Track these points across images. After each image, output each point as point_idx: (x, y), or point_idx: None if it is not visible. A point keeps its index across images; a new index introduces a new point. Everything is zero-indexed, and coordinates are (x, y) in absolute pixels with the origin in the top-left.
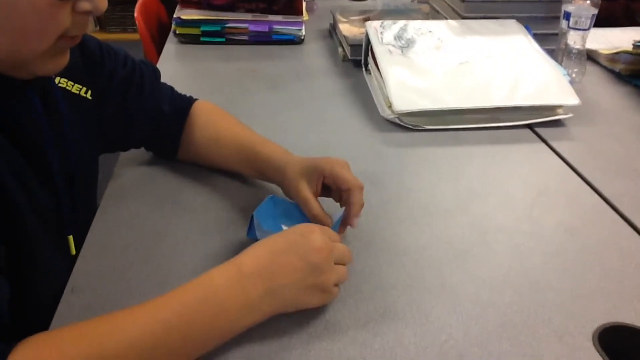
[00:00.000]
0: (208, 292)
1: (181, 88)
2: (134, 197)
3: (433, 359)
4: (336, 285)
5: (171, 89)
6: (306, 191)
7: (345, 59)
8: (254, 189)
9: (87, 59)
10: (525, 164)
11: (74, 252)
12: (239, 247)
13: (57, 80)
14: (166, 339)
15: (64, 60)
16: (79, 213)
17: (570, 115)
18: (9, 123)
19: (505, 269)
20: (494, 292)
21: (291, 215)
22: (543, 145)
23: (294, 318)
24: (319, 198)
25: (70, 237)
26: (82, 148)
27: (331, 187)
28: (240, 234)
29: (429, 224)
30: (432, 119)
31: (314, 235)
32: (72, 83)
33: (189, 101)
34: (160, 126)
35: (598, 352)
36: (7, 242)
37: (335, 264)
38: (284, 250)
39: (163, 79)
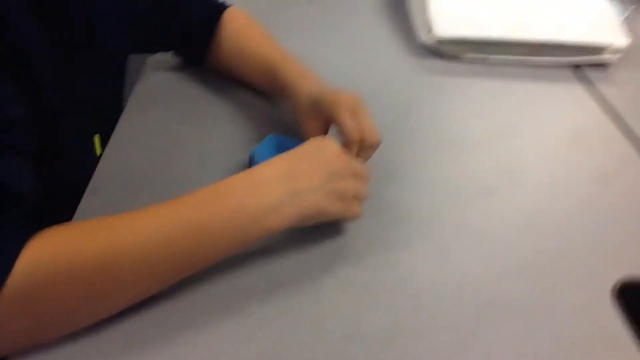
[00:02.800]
0: (224, 190)
1: None
2: (161, 101)
3: (448, 293)
4: (356, 199)
5: None
6: (312, 129)
7: None
8: (282, 108)
9: None
10: (564, 104)
11: (99, 151)
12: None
13: None
14: (178, 235)
15: None
16: (105, 112)
17: (618, 56)
18: (43, 6)
19: (530, 211)
20: (516, 233)
21: None
22: (585, 86)
23: (312, 239)
24: None
25: (97, 137)
26: (113, 41)
27: None
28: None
29: (456, 157)
30: (472, 47)
31: (329, 144)
32: None
33: (221, 7)
34: (191, 30)
35: (615, 305)
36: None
37: (361, 178)
38: (302, 159)
39: None
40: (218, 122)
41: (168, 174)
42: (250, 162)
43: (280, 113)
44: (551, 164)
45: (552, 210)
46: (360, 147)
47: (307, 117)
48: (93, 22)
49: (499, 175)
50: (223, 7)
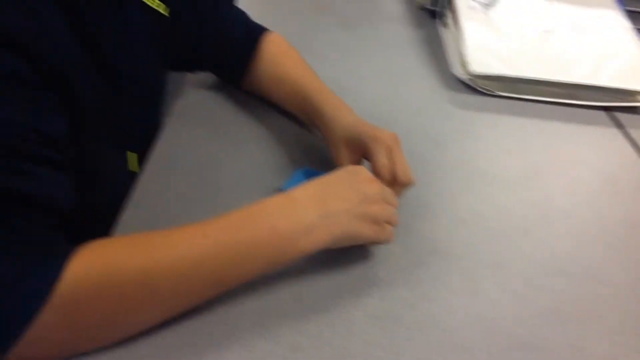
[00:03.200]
0: (258, 212)
1: (254, 14)
2: (199, 120)
3: (479, 333)
4: (388, 223)
5: (245, 15)
6: (345, 158)
7: (421, 7)
8: (316, 136)
9: None
10: (596, 147)
11: (136, 168)
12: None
13: None
14: (215, 254)
15: None
16: (142, 129)
17: None
18: (81, 22)
19: (563, 254)
20: (548, 276)
21: None
22: (618, 130)
23: (345, 271)
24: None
25: (133, 154)
26: (150, 61)
27: None
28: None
29: (489, 194)
30: (506, 85)
31: (363, 171)
32: None
33: (260, 31)
34: (229, 52)
35: None
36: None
37: (391, 204)
38: (335, 183)
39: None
40: (254, 144)
41: (204, 192)
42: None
43: (314, 141)
44: (585, 207)
45: (584, 255)
46: (390, 186)
47: (342, 148)
48: (131, 40)
49: (531, 215)
50: (262, 31)
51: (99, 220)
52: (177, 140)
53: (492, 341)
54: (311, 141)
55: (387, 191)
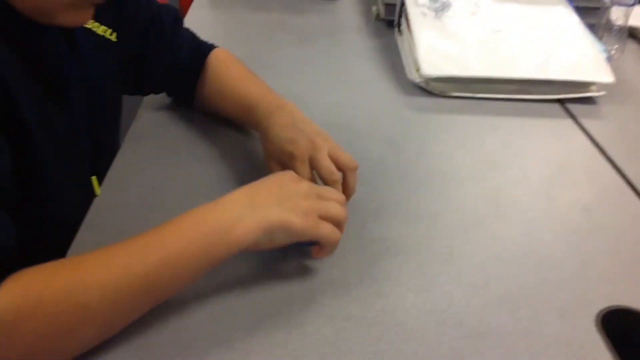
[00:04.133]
0: (185, 216)
1: (208, 35)
2: (155, 140)
3: (432, 324)
4: (326, 220)
5: (192, 35)
6: (272, 169)
7: (378, 17)
8: None
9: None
10: (550, 139)
11: (98, 192)
12: None
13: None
14: (141, 260)
15: (88, 15)
16: (102, 153)
17: (603, 93)
18: (30, 54)
19: (515, 243)
20: (500, 265)
21: None
22: (571, 121)
23: (299, 273)
24: None
25: (94, 178)
26: (104, 87)
27: None
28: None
29: (443, 192)
30: (459, 86)
31: (289, 174)
32: (99, 24)
33: (207, 49)
34: (178, 74)
35: (600, 334)
36: (18, 169)
37: (328, 199)
38: (262, 186)
39: (192, 24)
40: (210, 160)
41: (160, 211)
42: None
43: None
44: (537, 196)
45: (537, 242)
46: (344, 176)
47: (271, 160)
48: (84, 68)
49: (485, 208)
50: (209, 49)
51: (57, 247)
52: (134, 160)
53: (444, 331)
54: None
55: (321, 189)
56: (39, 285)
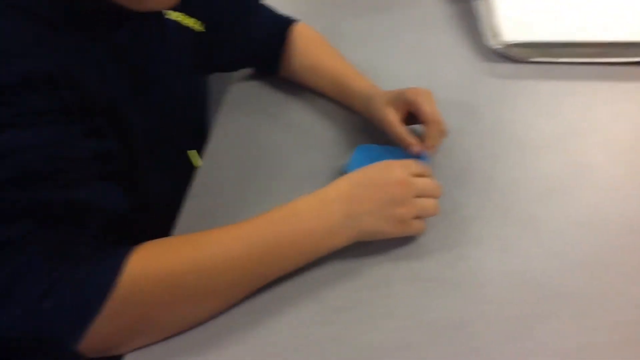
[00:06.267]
0: (292, 213)
1: (284, 6)
2: (246, 113)
3: (512, 286)
4: (419, 218)
5: (270, 11)
6: (391, 115)
7: None
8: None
9: None
10: (631, 103)
11: (199, 164)
12: (339, 164)
13: (174, 15)
14: (257, 249)
15: None
16: (193, 127)
17: None
18: (122, 49)
19: (594, 208)
20: (580, 231)
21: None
22: None
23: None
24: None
25: (193, 152)
26: (190, 74)
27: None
28: (342, 152)
29: (522, 159)
30: (539, 51)
31: (393, 169)
32: (186, 16)
33: (287, 23)
34: (263, 47)
35: None
36: (121, 156)
37: (420, 197)
38: (364, 183)
39: None
40: (305, 130)
41: (256, 180)
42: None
43: (360, 119)
44: (617, 162)
45: (615, 208)
46: (439, 131)
47: (388, 109)
48: (172, 59)
49: (565, 175)
50: (289, 23)
51: (161, 217)
52: (228, 133)
53: (523, 293)
54: (359, 119)
55: (421, 184)
56: (169, 258)
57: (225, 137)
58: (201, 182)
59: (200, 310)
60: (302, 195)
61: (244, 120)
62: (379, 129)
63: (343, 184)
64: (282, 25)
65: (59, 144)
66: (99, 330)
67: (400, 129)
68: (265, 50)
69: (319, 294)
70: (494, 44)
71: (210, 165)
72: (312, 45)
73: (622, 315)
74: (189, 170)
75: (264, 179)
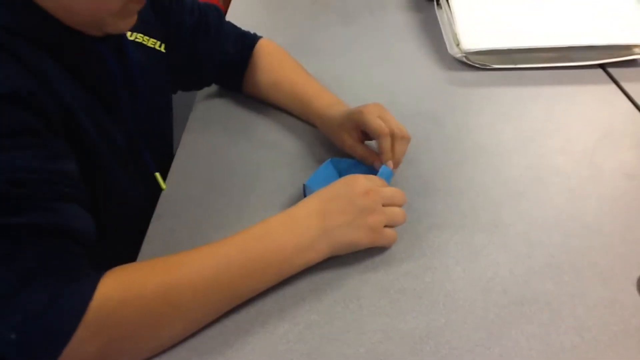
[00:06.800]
0: (265, 231)
1: (252, 21)
2: (211, 131)
3: (478, 293)
4: (389, 226)
5: (235, 28)
6: (349, 140)
7: None
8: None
9: (157, 11)
10: (592, 105)
11: (164, 187)
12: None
13: (134, 36)
14: (227, 269)
15: (133, 20)
16: (160, 151)
17: None
18: (82, 71)
19: (558, 211)
20: (544, 233)
21: (353, 172)
22: (614, 86)
23: (354, 252)
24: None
25: (157, 175)
26: (155, 94)
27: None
28: (308, 167)
29: (487, 164)
30: (500, 57)
31: (358, 182)
32: (148, 38)
33: (252, 40)
34: (226, 66)
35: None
36: (84, 175)
37: (386, 205)
38: (332, 197)
39: (237, 10)
40: (263, 144)
41: (222, 198)
42: (305, 192)
43: (319, 134)
44: (580, 163)
45: (579, 210)
46: (392, 141)
47: (342, 134)
48: (134, 78)
49: (528, 179)
50: (254, 40)
51: (128, 240)
52: (194, 152)
53: (491, 299)
54: (318, 134)
55: (387, 193)
56: (137, 283)
57: (190, 156)
58: (166, 202)
59: (172, 331)
60: (269, 212)
61: (209, 139)
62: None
63: (313, 201)
64: (247, 42)
65: (28, 166)
66: (69, 355)
67: (360, 150)
68: (230, 68)
69: (290, 312)
70: (455, 52)
71: (176, 184)
72: (276, 61)
73: (589, 317)
74: (157, 192)
75: (230, 197)
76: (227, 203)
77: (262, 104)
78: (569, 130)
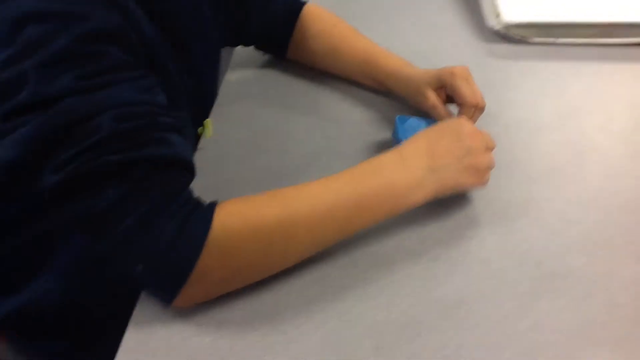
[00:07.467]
0: (376, 168)
1: None
2: (246, 95)
3: (512, 264)
4: (488, 169)
5: None
6: (433, 98)
7: None
8: (357, 93)
9: None
10: (634, 84)
11: (209, 134)
12: (340, 145)
13: None
14: (342, 205)
15: None
16: (206, 99)
17: None
18: (159, 15)
19: (596, 189)
20: (580, 211)
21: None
22: None
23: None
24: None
25: (208, 121)
26: (217, 46)
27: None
28: (338, 131)
29: (523, 139)
30: (540, 31)
31: (464, 123)
32: None
33: (299, 5)
34: (271, 26)
35: None
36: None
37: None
38: (440, 137)
39: None
40: (298, 110)
41: (257, 160)
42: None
43: (367, 99)
44: (618, 142)
45: (616, 188)
46: (475, 111)
47: (428, 93)
48: (200, 21)
49: (566, 155)
50: (301, 5)
51: None
52: (229, 114)
53: (524, 270)
54: (361, 98)
55: (487, 138)
56: (255, 214)
57: (225, 115)
58: (203, 157)
59: (284, 261)
60: (307, 174)
61: (243, 103)
62: (386, 106)
63: (420, 141)
64: (294, 6)
65: (132, 100)
66: (193, 283)
67: (442, 110)
68: (276, 28)
69: (324, 275)
70: (494, 24)
71: (211, 142)
72: (329, 25)
73: (621, 294)
74: (196, 141)
75: (264, 160)
76: (264, 165)
77: (297, 69)
78: (609, 109)
